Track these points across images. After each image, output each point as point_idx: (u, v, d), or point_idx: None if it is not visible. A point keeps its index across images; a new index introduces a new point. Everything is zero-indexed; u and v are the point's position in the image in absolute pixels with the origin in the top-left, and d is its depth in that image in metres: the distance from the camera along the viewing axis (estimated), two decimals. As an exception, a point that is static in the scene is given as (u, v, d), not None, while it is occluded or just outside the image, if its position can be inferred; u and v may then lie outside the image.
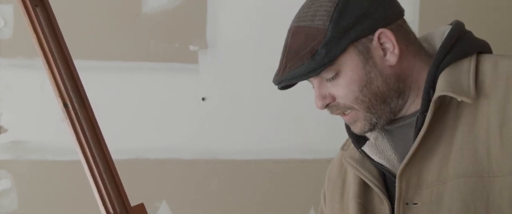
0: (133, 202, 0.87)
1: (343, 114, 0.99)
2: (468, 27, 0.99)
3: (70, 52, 0.76)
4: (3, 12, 1.47)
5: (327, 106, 0.98)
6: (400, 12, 0.97)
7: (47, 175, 1.51)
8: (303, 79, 0.95)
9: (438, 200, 0.91)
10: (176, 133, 1.56)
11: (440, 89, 0.90)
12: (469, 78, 0.91)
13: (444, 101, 0.92)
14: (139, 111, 1.54)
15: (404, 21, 0.98)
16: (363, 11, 0.94)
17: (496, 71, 0.91)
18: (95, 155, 0.69)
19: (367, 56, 0.94)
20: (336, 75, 0.95)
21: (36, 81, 1.48)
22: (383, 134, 1.02)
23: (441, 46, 0.94)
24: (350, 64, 0.95)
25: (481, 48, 0.97)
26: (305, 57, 0.94)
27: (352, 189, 1.03)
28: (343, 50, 0.93)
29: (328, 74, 0.95)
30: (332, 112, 0.99)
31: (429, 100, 0.92)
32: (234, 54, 1.55)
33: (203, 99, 1.56)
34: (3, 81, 1.49)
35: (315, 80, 0.98)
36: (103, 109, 1.48)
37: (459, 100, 0.90)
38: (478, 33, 1.00)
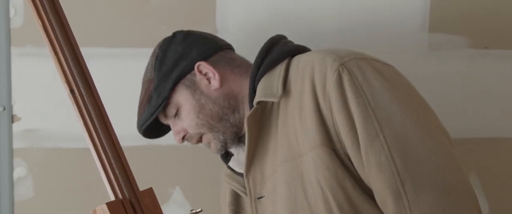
0: (145, 188, 0.87)
1: (199, 141, 1.20)
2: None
3: (76, 39, 0.76)
4: (14, 1, 1.47)
5: (183, 139, 1.19)
6: (218, 46, 1.20)
7: (61, 162, 1.53)
8: (150, 122, 1.17)
9: (275, 188, 1.07)
10: (188, 119, 1.55)
11: (257, 97, 1.07)
12: (279, 81, 1.06)
13: (266, 106, 1.09)
14: (150, 97, 1.54)
15: (228, 51, 1.22)
16: (178, 55, 1.16)
17: (298, 68, 1.06)
18: (103, 140, 0.70)
19: (194, 88, 1.16)
20: (178, 111, 1.17)
21: (48, 69, 1.49)
22: (243, 148, 1.17)
23: (254, 62, 1.13)
24: (182, 99, 1.16)
25: (293, 52, 1.11)
26: (145, 105, 1.17)
27: (227, 198, 1.26)
28: (171, 89, 1.15)
29: (171, 112, 1.18)
30: (191, 143, 1.20)
31: None
32: (244, 39, 1.54)
33: (214, 84, 1.56)
34: (15, 70, 1.50)
35: (168, 121, 1.21)
36: (115, 96, 1.49)
37: (272, 102, 1.06)
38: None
